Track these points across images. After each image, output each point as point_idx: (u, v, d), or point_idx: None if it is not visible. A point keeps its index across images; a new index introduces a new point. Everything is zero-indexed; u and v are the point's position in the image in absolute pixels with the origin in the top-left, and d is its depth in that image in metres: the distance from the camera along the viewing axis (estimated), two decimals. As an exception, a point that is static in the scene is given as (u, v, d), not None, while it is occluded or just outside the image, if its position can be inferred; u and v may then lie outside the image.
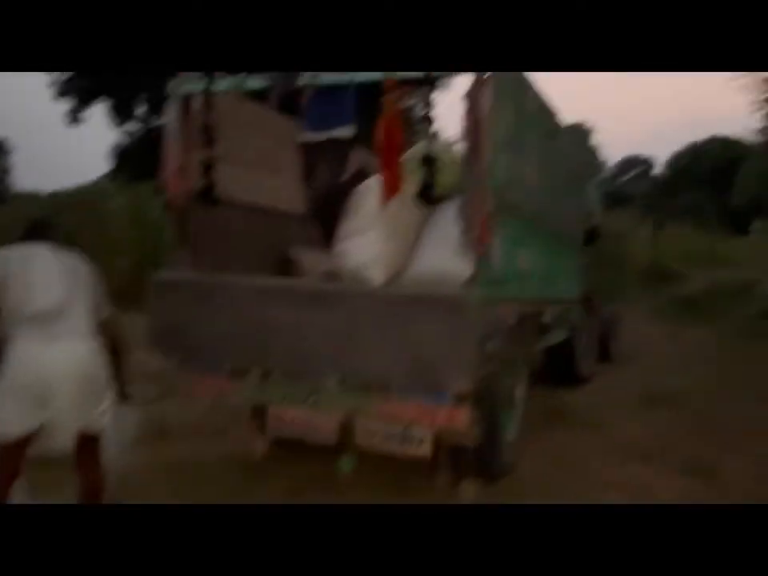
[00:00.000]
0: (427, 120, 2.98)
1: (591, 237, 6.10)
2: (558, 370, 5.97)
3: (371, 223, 3.29)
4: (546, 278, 4.22)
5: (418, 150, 3.43)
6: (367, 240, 3.27)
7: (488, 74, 2.84)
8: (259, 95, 3.38)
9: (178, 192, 3.50)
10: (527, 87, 3.44)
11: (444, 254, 3.22)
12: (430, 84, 2.92)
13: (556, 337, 4.80)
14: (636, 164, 53.13)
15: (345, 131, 3.67)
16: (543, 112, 3.85)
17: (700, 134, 49.41)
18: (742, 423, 5.16)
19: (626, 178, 50.98)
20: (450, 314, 2.84)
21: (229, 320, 3.26)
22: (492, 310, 3.10)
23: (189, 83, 3.48)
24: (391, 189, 3.10)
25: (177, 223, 3.61)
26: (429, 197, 3.08)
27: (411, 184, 3.21)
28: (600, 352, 7.23)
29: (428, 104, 2.96)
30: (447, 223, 3.26)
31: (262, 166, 4.08)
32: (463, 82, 2.89)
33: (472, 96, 2.82)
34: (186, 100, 3.53)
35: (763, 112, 24.87)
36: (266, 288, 3.28)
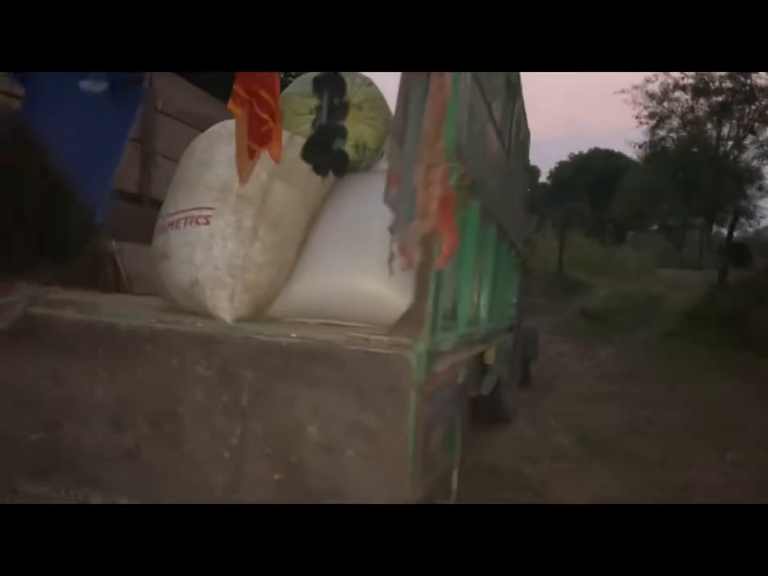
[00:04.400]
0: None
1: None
2: (481, 410, 4.63)
3: (221, 204, 1.74)
4: (493, 303, 2.86)
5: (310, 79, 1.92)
6: (211, 237, 1.71)
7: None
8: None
9: None
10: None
11: (358, 267, 1.76)
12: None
13: (494, 378, 3.47)
14: (523, 171, 54.72)
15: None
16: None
17: (583, 147, 51.58)
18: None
19: (513, 184, 52.43)
20: (379, 389, 1.41)
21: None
22: (442, 368, 1.69)
23: None
24: (258, 138, 1.59)
25: None
26: (329, 160, 1.60)
27: (296, 138, 1.72)
28: (521, 377, 6.08)
29: None
30: (364, 209, 1.81)
31: None
32: None
33: None
34: None
35: (646, 127, 25.78)
36: None
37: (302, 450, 1.49)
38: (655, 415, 5.78)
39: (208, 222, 1.72)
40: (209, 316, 1.67)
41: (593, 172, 45.47)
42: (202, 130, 3.34)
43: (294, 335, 1.53)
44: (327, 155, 1.57)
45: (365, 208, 1.86)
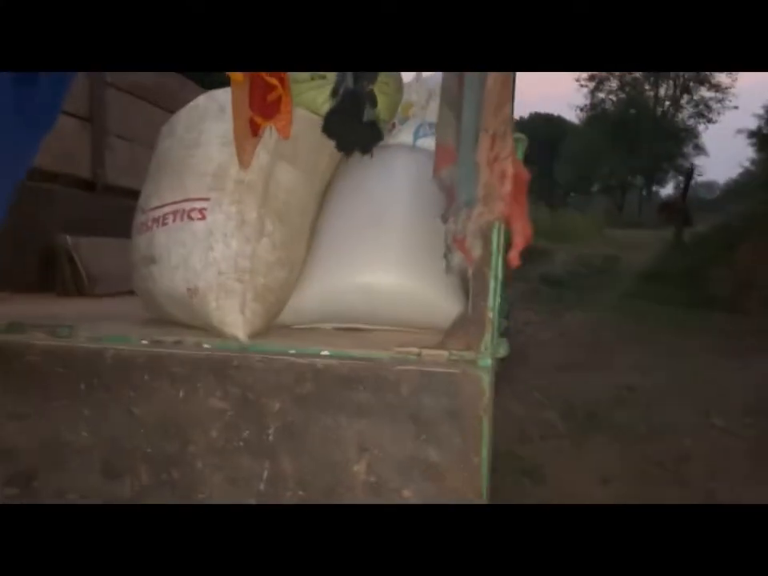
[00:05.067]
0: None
1: None
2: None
3: (218, 193, 1.43)
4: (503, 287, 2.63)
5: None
6: (210, 234, 1.40)
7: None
8: None
9: None
10: None
11: (381, 260, 1.48)
12: None
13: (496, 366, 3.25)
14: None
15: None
16: None
17: (523, 112, 51.60)
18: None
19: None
20: (440, 415, 1.17)
21: None
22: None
23: None
24: (264, 109, 1.29)
25: None
26: (358, 134, 1.31)
27: (298, 109, 1.42)
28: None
29: None
30: (382, 191, 1.53)
31: None
32: None
33: None
34: None
35: (587, 90, 25.96)
36: None
37: (346, 492, 1.22)
38: (635, 382, 5.75)
39: (203, 217, 1.40)
40: (214, 332, 1.37)
41: (534, 137, 45.61)
42: (160, 106, 2.97)
43: (326, 352, 1.25)
44: (356, 128, 1.28)
45: (383, 189, 1.58)
